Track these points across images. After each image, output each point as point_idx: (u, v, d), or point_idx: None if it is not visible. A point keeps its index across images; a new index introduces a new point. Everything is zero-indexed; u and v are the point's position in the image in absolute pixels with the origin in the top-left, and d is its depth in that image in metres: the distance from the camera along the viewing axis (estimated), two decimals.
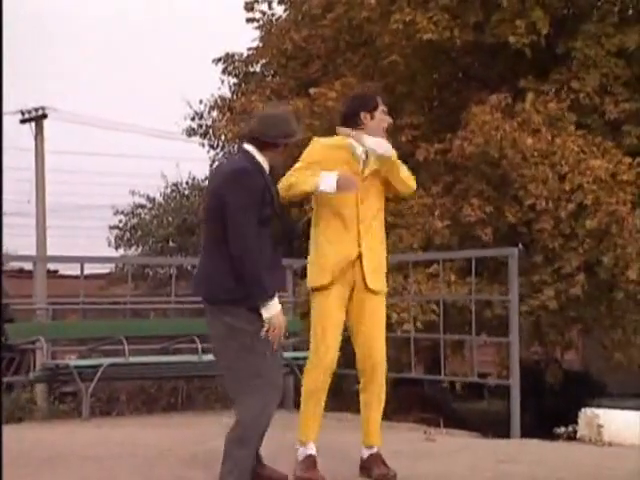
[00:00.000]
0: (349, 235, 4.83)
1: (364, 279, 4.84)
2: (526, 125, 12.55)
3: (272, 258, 4.29)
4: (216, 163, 4.42)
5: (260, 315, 4.19)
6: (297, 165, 4.91)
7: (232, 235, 4.15)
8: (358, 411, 5.10)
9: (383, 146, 4.86)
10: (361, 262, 4.83)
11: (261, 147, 4.38)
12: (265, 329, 4.19)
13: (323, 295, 4.82)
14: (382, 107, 4.98)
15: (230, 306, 4.22)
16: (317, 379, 4.84)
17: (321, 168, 4.78)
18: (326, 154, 4.89)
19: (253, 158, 4.35)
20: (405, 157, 14.70)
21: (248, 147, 4.39)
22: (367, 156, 4.94)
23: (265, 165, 4.38)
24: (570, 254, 12.31)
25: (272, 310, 4.21)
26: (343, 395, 9.70)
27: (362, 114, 4.95)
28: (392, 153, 4.92)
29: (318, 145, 4.97)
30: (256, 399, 4.21)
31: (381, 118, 4.98)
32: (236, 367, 4.24)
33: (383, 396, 4.98)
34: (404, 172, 5.02)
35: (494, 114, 12.45)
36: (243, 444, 4.20)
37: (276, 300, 4.24)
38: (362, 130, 4.92)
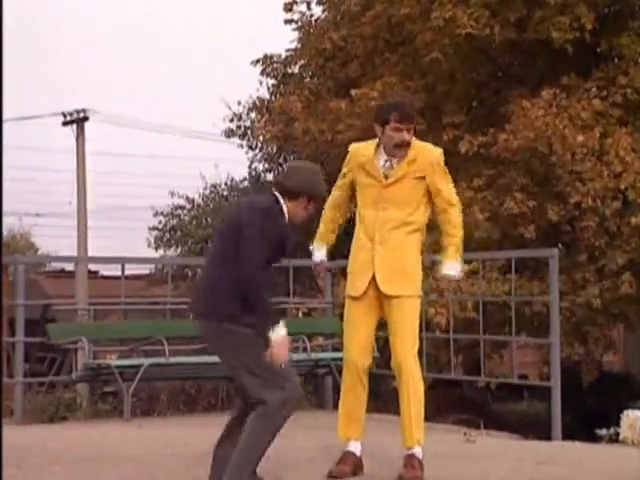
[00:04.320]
0: (366, 248, 5.05)
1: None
2: (573, 121, 12.45)
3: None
4: (244, 202, 4.58)
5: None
6: (341, 173, 5.27)
7: (246, 265, 4.22)
8: (398, 412, 5.10)
9: (452, 274, 5.17)
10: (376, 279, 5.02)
11: (285, 196, 4.48)
12: (269, 350, 4.23)
13: (353, 302, 5.08)
14: (395, 124, 4.95)
15: (231, 324, 4.29)
16: (346, 379, 5.06)
17: (352, 175, 5.15)
18: (354, 162, 5.17)
19: (280, 203, 4.45)
20: (447, 156, 14.72)
21: (277, 193, 4.49)
22: (391, 164, 5.02)
23: (287, 214, 4.46)
24: (615, 252, 12.21)
25: (279, 332, 4.25)
26: (383, 396, 9.70)
27: (376, 126, 5.08)
28: (458, 273, 5.22)
29: (350, 154, 5.23)
30: (279, 391, 4.26)
31: (390, 135, 4.99)
32: (254, 367, 4.29)
33: (415, 396, 4.97)
34: (460, 224, 5.20)
35: (547, 109, 12.37)
36: (264, 433, 4.24)
37: (281, 326, 4.27)
38: (379, 140, 5.09)
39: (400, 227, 5.01)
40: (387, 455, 5.29)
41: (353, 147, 5.25)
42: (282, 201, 4.46)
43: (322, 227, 5.38)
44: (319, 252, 5.36)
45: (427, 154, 5.09)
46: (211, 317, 4.36)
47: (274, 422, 4.26)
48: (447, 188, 5.12)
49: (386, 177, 5.03)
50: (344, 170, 5.26)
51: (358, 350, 5.02)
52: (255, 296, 4.23)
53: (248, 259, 4.23)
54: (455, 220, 5.14)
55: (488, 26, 13.14)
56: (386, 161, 5.04)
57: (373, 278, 5.01)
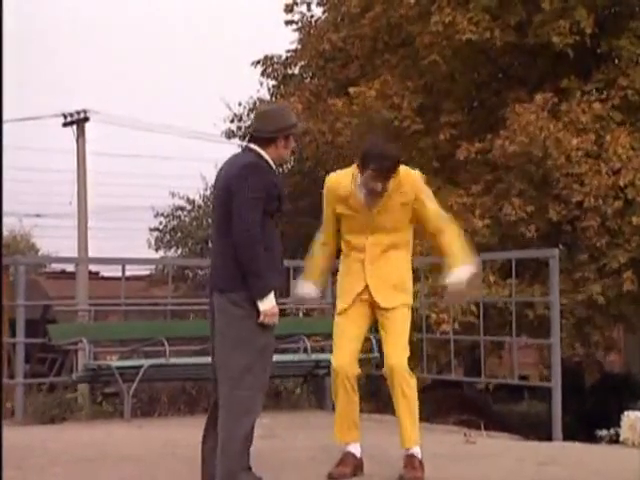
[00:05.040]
0: (357, 268, 5.08)
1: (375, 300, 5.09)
2: (571, 125, 12.45)
3: (276, 256, 4.35)
4: (225, 161, 4.56)
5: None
6: (324, 211, 5.21)
7: (237, 227, 4.19)
8: None
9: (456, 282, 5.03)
10: (369, 290, 5.06)
11: (262, 144, 4.43)
12: (260, 319, 4.25)
13: (341, 317, 5.11)
14: (371, 172, 4.90)
15: (232, 294, 4.27)
16: (336, 387, 5.07)
17: (332, 208, 5.09)
18: (333, 196, 5.08)
19: (260, 155, 4.41)
20: (445, 157, 14.79)
21: (253, 146, 4.45)
22: (376, 192, 4.98)
23: (271, 162, 4.44)
24: (616, 251, 12.21)
25: (267, 304, 4.26)
26: (383, 397, 9.70)
27: (357, 164, 5.04)
28: (463, 280, 5.03)
29: (327, 188, 5.16)
30: (243, 396, 4.27)
31: (365, 181, 4.96)
32: (230, 360, 4.30)
33: (409, 399, 4.99)
34: (461, 238, 5.16)
35: (539, 114, 12.37)
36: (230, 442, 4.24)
37: (272, 295, 4.28)
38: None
39: (389, 250, 5.08)
40: (387, 456, 5.29)
41: (329, 180, 5.17)
42: (263, 152, 4.41)
43: (311, 268, 5.31)
44: (307, 285, 5.29)
45: (408, 179, 5.06)
46: (217, 289, 4.34)
47: (240, 418, 4.26)
48: (433, 209, 5.11)
49: (369, 208, 5.03)
50: (324, 206, 5.19)
51: (347, 360, 5.04)
52: (247, 259, 4.20)
53: (238, 220, 4.19)
54: (451, 242, 5.10)
55: (488, 30, 13.14)
56: (363, 192, 5.01)
57: (364, 291, 5.06)
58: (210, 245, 4.48)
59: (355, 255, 5.12)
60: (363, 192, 4.99)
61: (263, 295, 4.25)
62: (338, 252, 5.29)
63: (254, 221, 4.21)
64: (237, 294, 4.27)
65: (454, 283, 5.04)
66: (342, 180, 5.11)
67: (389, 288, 5.06)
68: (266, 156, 4.42)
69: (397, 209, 5.04)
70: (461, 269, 5.04)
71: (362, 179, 4.97)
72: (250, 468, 4.40)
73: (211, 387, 4.65)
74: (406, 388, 4.99)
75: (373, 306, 5.10)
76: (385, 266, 5.07)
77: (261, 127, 4.45)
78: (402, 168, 5.06)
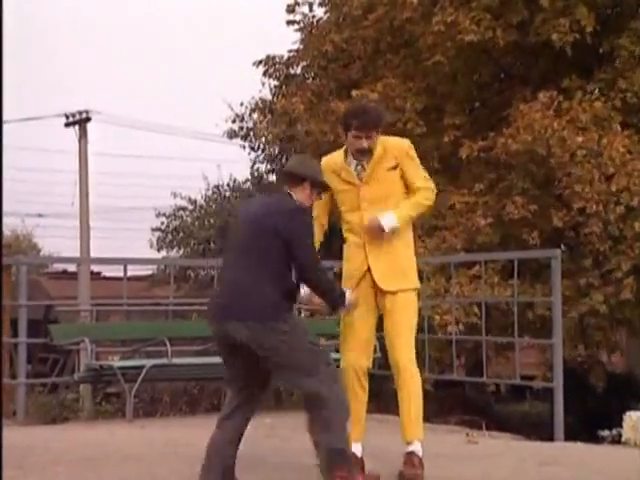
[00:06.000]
0: (358, 248, 5.09)
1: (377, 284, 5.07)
2: (573, 123, 12.43)
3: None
4: (257, 200, 4.80)
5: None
6: None
7: (308, 264, 4.54)
8: (398, 413, 5.10)
9: (390, 225, 4.98)
10: (371, 274, 5.05)
11: (290, 185, 4.68)
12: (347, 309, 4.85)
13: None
14: (355, 131, 4.98)
15: (273, 321, 4.39)
16: (345, 382, 4.98)
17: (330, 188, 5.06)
18: (328, 172, 5.06)
19: (293, 197, 4.67)
20: (447, 156, 14.77)
21: (290, 191, 4.69)
22: (363, 166, 5.04)
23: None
24: (619, 257, 12.17)
25: (348, 304, 4.79)
26: (384, 397, 9.69)
27: (343, 131, 5.14)
28: (396, 224, 5.01)
29: (322, 167, 5.12)
30: (330, 381, 4.41)
31: (351, 141, 5.04)
32: (301, 363, 4.40)
33: (414, 395, 4.99)
34: (421, 203, 5.12)
35: (544, 112, 12.35)
36: (331, 427, 4.36)
37: (348, 294, 4.79)
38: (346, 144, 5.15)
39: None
40: (388, 455, 5.28)
41: (323, 161, 5.23)
42: (294, 194, 4.66)
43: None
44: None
45: (395, 145, 5.12)
46: (255, 318, 4.38)
47: (335, 406, 4.39)
48: (417, 175, 5.12)
49: (361, 180, 5.07)
50: None
51: (357, 352, 5.02)
52: (324, 284, 4.66)
53: (309, 259, 4.54)
54: (415, 199, 5.09)
55: (490, 29, 13.12)
56: (357, 164, 5.08)
57: (367, 273, 5.03)
58: (225, 267, 4.52)
59: (354, 239, 5.11)
60: (353, 161, 5.05)
61: (344, 301, 4.75)
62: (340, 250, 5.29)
63: (317, 255, 4.61)
64: (279, 318, 4.41)
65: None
66: (335, 156, 5.21)
67: (394, 271, 5.00)
68: (295, 196, 4.67)
69: (384, 175, 5.03)
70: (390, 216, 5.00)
71: (348, 143, 5.05)
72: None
73: (230, 395, 4.68)
74: (413, 385, 4.97)
75: (377, 291, 5.05)
76: (388, 251, 5.02)
77: (293, 167, 4.75)
78: (386, 137, 5.12)
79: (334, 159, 5.19)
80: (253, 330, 4.36)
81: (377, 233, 5.00)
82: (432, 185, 5.21)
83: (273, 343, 4.37)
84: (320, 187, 4.79)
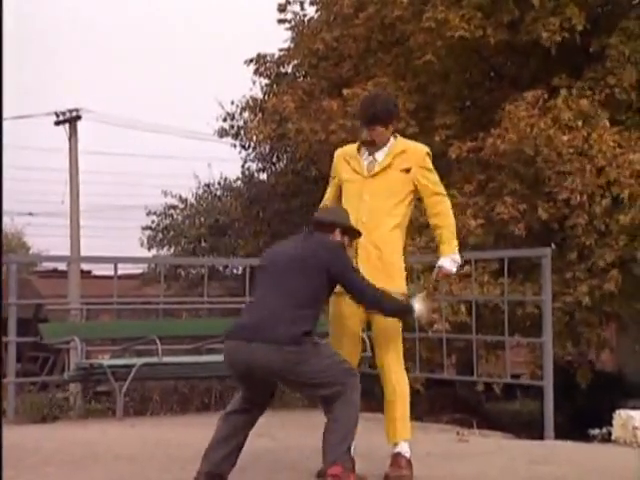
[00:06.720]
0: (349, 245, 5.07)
1: None
2: (558, 122, 12.45)
3: None
4: (292, 240, 4.99)
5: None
6: (330, 182, 5.35)
7: (365, 291, 4.76)
8: None
9: (454, 266, 5.11)
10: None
11: (321, 231, 4.84)
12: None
13: (340, 296, 4.94)
14: (360, 123, 5.16)
15: (298, 345, 4.51)
16: None
17: (338, 178, 5.21)
18: (340, 163, 5.21)
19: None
20: (438, 157, 14.74)
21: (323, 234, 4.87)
22: (374, 158, 5.08)
23: None
24: (604, 250, 12.21)
25: (417, 302, 4.96)
26: (375, 396, 9.70)
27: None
28: (456, 258, 5.13)
29: (335, 158, 5.31)
30: (349, 394, 4.52)
31: (363, 134, 5.13)
32: (323, 376, 4.51)
33: (400, 396, 5.00)
34: (452, 223, 5.18)
35: (530, 111, 12.36)
36: (346, 440, 4.49)
37: (411, 306, 4.96)
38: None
39: (383, 218, 5.01)
40: (377, 454, 5.29)
41: (338, 151, 5.32)
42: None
43: None
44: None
45: (414, 149, 5.16)
46: (285, 343, 4.46)
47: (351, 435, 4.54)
48: (433, 180, 5.13)
49: (370, 171, 5.08)
50: (332, 174, 5.31)
51: (346, 349, 4.96)
52: (386, 303, 4.82)
53: (362, 287, 4.75)
54: (443, 210, 5.12)
55: (481, 28, 13.14)
56: (370, 156, 5.11)
57: None
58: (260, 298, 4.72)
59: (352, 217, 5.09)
60: (366, 153, 5.10)
61: (409, 310, 4.94)
62: None
63: (368, 281, 4.76)
64: (303, 341, 4.51)
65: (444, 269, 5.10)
66: (348, 148, 5.27)
67: (382, 272, 4.96)
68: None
69: (395, 174, 5.04)
70: (443, 259, 5.07)
71: (361, 135, 5.11)
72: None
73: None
74: (399, 386, 4.99)
75: None
76: (378, 247, 5.00)
77: (324, 217, 4.93)
78: (407, 140, 5.23)
79: (349, 148, 5.26)
80: (278, 352, 4.45)
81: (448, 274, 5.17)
82: (444, 191, 5.22)
83: (293, 366, 4.49)
84: (350, 232, 4.89)
